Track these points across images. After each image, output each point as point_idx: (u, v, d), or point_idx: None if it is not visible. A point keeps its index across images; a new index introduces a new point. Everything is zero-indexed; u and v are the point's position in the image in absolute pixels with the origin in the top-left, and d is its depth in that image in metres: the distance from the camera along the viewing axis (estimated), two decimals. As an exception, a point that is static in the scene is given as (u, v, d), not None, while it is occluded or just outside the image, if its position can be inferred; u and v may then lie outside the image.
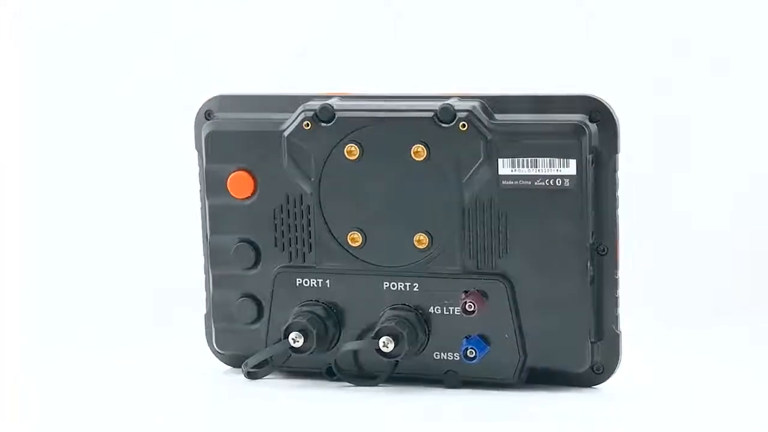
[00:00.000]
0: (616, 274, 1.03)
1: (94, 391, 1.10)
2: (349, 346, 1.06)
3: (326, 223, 1.08)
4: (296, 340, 1.06)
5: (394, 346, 1.03)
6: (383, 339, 1.03)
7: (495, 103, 1.04)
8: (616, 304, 1.03)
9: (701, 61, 1.46)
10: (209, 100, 1.15)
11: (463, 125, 1.02)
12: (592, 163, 1.01)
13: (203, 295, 1.15)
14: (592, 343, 1.03)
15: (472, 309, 1.03)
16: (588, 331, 1.02)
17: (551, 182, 1.01)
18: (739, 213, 1.44)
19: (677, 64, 1.47)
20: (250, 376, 1.10)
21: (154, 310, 1.35)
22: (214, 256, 1.13)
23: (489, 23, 1.51)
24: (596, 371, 1.04)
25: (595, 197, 1.01)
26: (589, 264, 1.01)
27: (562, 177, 1.01)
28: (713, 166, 1.45)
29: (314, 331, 1.06)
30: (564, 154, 1.01)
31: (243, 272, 1.12)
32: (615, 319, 1.03)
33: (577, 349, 1.03)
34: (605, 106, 1.02)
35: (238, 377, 1.10)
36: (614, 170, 1.02)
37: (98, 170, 1.53)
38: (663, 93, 1.47)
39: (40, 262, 1.47)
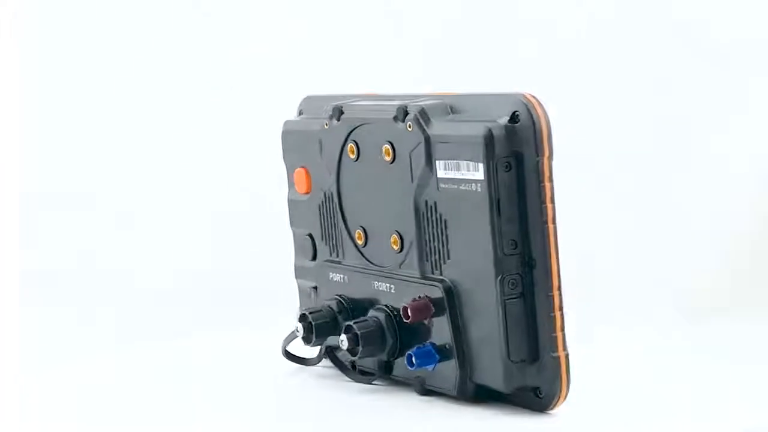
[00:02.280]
0: (551, 290, 0.94)
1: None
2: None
3: (344, 219, 1.09)
4: (298, 330, 1.08)
5: (351, 345, 1.03)
6: (341, 336, 1.03)
7: (455, 102, 1.00)
8: (552, 324, 0.94)
9: (697, 61, 1.46)
10: (302, 100, 1.18)
11: (409, 126, 1.00)
12: (508, 168, 0.94)
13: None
14: (515, 362, 0.95)
15: (408, 317, 1.00)
16: (504, 349, 0.95)
17: (469, 186, 0.96)
18: (733, 213, 1.44)
19: (669, 64, 1.47)
20: (286, 355, 1.13)
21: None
22: (296, 248, 1.17)
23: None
24: (538, 395, 0.96)
25: (513, 204, 0.94)
26: (504, 276, 0.94)
27: (475, 182, 0.95)
28: (712, 166, 1.45)
29: (313, 324, 1.07)
30: (474, 157, 0.94)
31: (309, 264, 1.15)
32: (552, 339, 0.94)
33: (496, 367, 0.96)
34: (527, 107, 0.94)
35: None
36: (538, 175, 0.93)
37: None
38: (661, 94, 1.47)
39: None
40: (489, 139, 0.94)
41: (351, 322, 1.03)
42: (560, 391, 0.95)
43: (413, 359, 0.99)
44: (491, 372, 0.96)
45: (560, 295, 0.94)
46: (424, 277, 1.01)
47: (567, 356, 0.95)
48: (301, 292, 1.17)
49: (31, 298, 1.42)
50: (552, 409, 0.96)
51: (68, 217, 1.52)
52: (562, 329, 0.94)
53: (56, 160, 1.55)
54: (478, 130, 0.94)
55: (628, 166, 1.46)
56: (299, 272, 1.17)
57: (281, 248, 1.48)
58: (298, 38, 1.54)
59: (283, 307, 1.36)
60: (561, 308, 0.94)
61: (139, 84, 1.55)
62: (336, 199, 1.09)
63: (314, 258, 1.14)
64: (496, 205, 0.94)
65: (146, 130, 1.54)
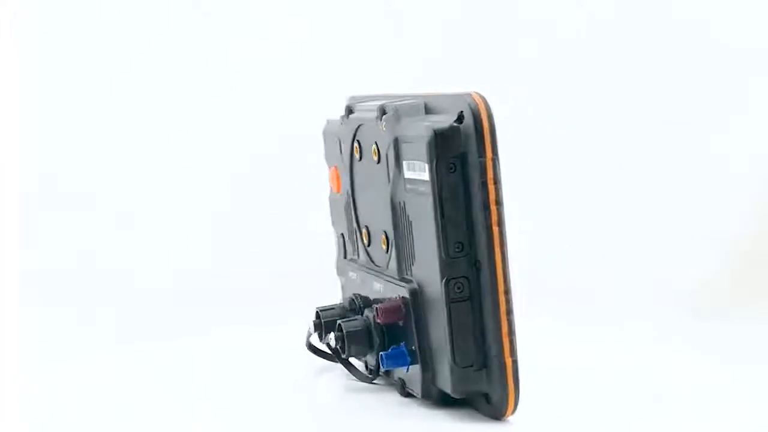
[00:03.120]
0: (498, 294, 0.91)
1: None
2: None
3: (356, 219, 1.10)
4: (311, 327, 1.09)
5: (337, 344, 1.03)
6: (330, 334, 1.04)
7: (431, 102, 0.99)
8: (499, 330, 0.92)
9: (697, 61, 1.46)
10: (347, 99, 1.15)
11: (384, 125, 1.00)
12: (453, 169, 0.92)
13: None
14: (462, 367, 0.93)
15: (379, 317, 0.99)
16: (450, 353, 0.93)
17: (421, 187, 0.95)
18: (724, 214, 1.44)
19: (669, 64, 1.47)
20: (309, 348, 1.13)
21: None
22: (336, 246, 1.17)
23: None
24: (488, 402, 0.94)
25: (459, 206, 0.92)
26: (449, 279, 0.92)
27: (424, 182, 0.94)
28: (712, 166, 1.46)
29: (322, 322, 1.08)
30: (421, 158, 0.93)
31: (341, 261, 1.15)
32: (499, 345, 0.92)
33: (446, 371, 0.94)
34: (471, 107, 0.91)
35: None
36: (482, 177, 0.91)
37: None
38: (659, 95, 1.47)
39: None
40: (432, 139, 0.92)
41: (341, 321, 1.04)
42: (508, 399, 0.93)
43: (384, 360, 0.99)
44: (443, 376, 0.95)
45: (508, 299, 0.92)
46: (400, 278, 1.00)
47: (515, 363, 0.92)
48: (342, 289, 1.17)
49: (31, 298, 1.42)
50: (504, 417, 0.94)
51: (68, 217, 1.52)
52: (510, 335, 0.92)
53: (56, 160, 1.55)
54: (424, 130, 0.93)
55: (628, 166, 1.46)
56: (338, 270, 1.17)
57: (281, 248, 1.49)
58: (297, 38, 1.54)
59: (283, 306, 1.36)
60: (508, 313, 0.92)
61: (139, 84, 1.55)
62: (351, 199, 1.10)
63: (345, 256, 1.15)
64: (439, 207, 0.92)
65: (146, 130, 1.54)
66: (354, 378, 1.08)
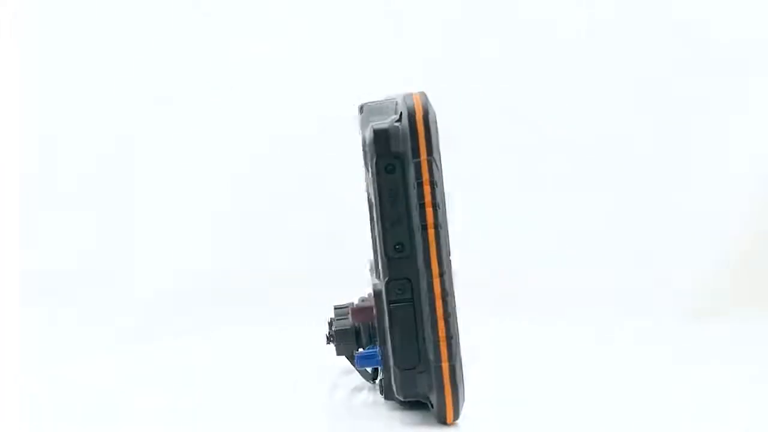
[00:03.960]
0: (435, 298, 0.90)
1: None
2: None
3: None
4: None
5: (328, 341, 1.03)
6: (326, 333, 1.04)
7: (400, 101, 0.96)
8: (437, 333, 0.91)
9: (697, 61, 1.46)
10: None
11: (359, 124, 0.98)
12: (392, 170, 0.91)
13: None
14: (403, 370, 0.93)
15: (353, 318, 1.00)
16: (392, 356, 0.92)
17: (370, 188, 0.94)
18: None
19: (669, 64, 1.47)
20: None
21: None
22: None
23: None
24: (431, 406, 0.93)
25: (398, 207, 0.91)
26: (390, 280, 0.92)
27: (369, 182, 0.94)
28: (712, 166, 1.45)
29: (332, 323, 1.06)
30: (364, 158, 0.95)
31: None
32: (436, 347, 0.91)
33: (388, 372, 0.94)
34: (408, 107, 0.90)
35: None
36: (417, 178, 0.90)
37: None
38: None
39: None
40: (370, 138, 0.92)
41: (333, 319, 1.03)
42: (446, 405, 0.92)
43: (357, 359, 0.99)
44: (387, 377, 0.94)
45: (445, 302, 0.91)
46: (377, 278, 0.99)
47: (452, 368, 0.91)
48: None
49: (31, 298, 1.42)
50: (448, 423, 0.93)
51: (68, 217, 1.52)
52: (448, 339, 0.91)
53: (56, 160, 1.55)
54: (368, 130, 0.92)
55: (628, 165, 1.46)
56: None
57: (282, 248, 1.49)
58: (297, 38, 1.54)
59: (284, 306, 1.36)
60: (446, 317, 0.91)
61: (140, 84, 1.55)
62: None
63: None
64: (378, 207, 0.92)
65: (146, 130, 1.54)
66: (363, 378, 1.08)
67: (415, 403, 0.96)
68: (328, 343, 1.03)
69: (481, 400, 1.01)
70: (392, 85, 1.23)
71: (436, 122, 0.91)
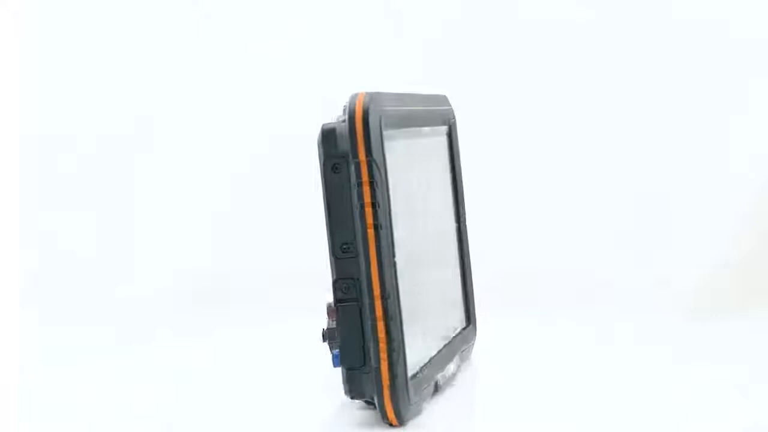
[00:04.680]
0: (373, 298, 0.91)
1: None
2: None
3: None
4: None
5: (322, 339, 1.02)
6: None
7: None
8: (376, 334, 0.91)
9: (697, 61, 1.46)
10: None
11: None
12: (337, 169, 0.92)
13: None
14: (349, 369, 0.93)
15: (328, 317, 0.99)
16: (340, 354, 0.93)
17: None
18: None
19: (669, 64, 1.47)
20: None
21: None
22: None
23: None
24: (375, 407, 0.93)
25: (343, 207, 0.92)
26: (337, 279, 0.92)
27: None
28: (712, 166, 1.45)
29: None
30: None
31: None
32: (375, 348, 0.91)
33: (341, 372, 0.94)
34: (349, 107, 0.92)
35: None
36: (357, 178, 0.91)
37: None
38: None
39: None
40: (319, 139, 0.93)
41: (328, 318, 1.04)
42: (385, 407, 0.92)
43: (334, 358, 0.98)
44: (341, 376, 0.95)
45: (384, 303, 0.91)
46: None
47: (390, 368, 0.91)
48: None
49: (31, 298, 1.42)
50: (392, 425, 0.93)
51: (68, 217, 1.52)
52: (388, 341, 0.91)
53: (56, 160, 1.55)
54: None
55: (628, 165, 1.46)
56: None
57: (282, 249, 1.49)
58: (297, 38, 1.54)
59: (285, 307, 1.36)
60: (385, 318, 0.91)
61: (140, 83, 1.55)
62: None
63: None
64: (326, 207, 0.92)
65: (147, 129, 1.54)
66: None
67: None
68: (323, 341, 1.04)
69: (481, 400, 1.01)
70: (392, 85, 1.24)
71: (379, 122, 0.91)
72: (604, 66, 1.48)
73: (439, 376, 1.01)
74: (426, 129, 1.09)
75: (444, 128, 1.14)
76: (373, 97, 0.92)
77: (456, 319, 1.13)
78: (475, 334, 1.16)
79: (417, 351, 0.97)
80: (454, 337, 1.09)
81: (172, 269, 1.47)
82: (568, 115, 1.48)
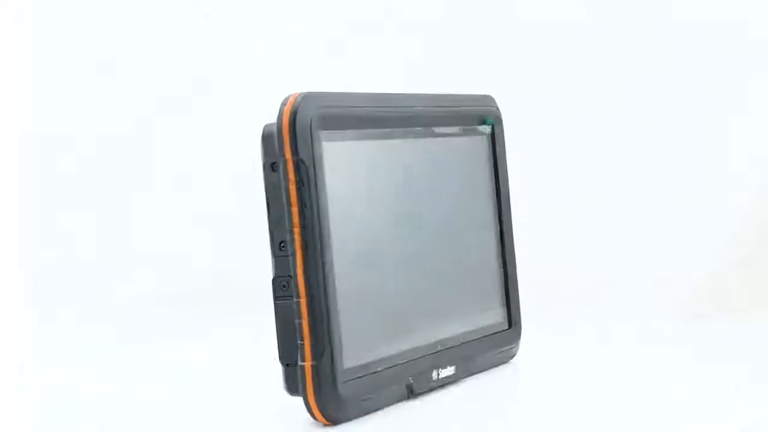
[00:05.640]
0: (300, 297, 0.92)
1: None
2: None
3: None
4: None
5: None
6: None
7: None
8: (300, 331, 0.92)
9: (697, 61, 1.46)
10: None
11: None
12: (275, 169, 0.93)
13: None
14: (285, 366, 0.94)
15: None
16: (278, 349, 0.94)
17: None
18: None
19: (669, 64, 1.47)
20: None
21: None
22: None
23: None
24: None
25: (279, 206, 0.93)
26: (275, 277, 0.94)
27: None
28: (712, 166, 1.46)
29: None
30: None
31: None
32: (300, 346, 0.92)
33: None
34: (279, 107, 0.93)
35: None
36: (284, 177, 0.92)
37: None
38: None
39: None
40: (261, 137, 0.94)
41: None
42: (309, 404, 0.93)
43: None
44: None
45: (310, 303, 0.92)
46: None
47: (314, 368, 0.92)
48: None
49: (31, 298, 1.42)
50: (321, 422, 0.94)
51: (68, 217, 1.52)
52: (312, 338, 0.92)
53: (56, 160, 1.55)
54: None
55: (627, 165, 1.46)
56: None
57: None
58: (297, 38, 1.54)
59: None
60: (309, 317, 0.92)
61: (140, 83, 1.55)
62: None
63: None
64: (266, 205, 0.93)
65: (147, 129, 1.55)
66: None
67: None
68: None
69: (481, 400, 1.01)
70: (392, 85, 1.24)
71: (309, 122, 0.92)
72: (604, 66, 1.48)
73: (412, 380, 1.00)
74: (443, 129, 1.08)
75: (480, 128, 1.13)
76: (309, 97, 0.93)
77: (460, 325, 1.09)
78: (516, 338, 1.14)
79: (367, 353, 0.96)
80: (453, 343, 1.06)
81: (172, 269, 1.47)
82: (567, 115, 1.48)
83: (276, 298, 0.93)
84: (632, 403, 1.01)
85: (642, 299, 1.35)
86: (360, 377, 0.95)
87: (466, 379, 1.07)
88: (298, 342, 0.92)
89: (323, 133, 0.93)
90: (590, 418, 0.97)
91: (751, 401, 1.01)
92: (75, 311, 1.39)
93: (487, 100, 1.16)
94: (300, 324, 0.92)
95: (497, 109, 1.15)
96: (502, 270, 1.14)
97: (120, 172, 1.54)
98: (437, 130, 1.07)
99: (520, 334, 1.15)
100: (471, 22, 1.52)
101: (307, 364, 0.92)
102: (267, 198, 0.93)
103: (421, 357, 1.02)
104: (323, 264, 0.92)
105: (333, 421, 0.93)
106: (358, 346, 0.95)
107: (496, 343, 1.11)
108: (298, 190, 0.92)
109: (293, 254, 0.92)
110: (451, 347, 1.06)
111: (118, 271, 1.47)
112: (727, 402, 1.01)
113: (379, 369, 0.97)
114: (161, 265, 1.47)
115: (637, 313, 1.32)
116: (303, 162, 0.91)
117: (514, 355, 1.14)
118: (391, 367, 0.98)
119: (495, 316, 1.13)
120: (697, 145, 1.46)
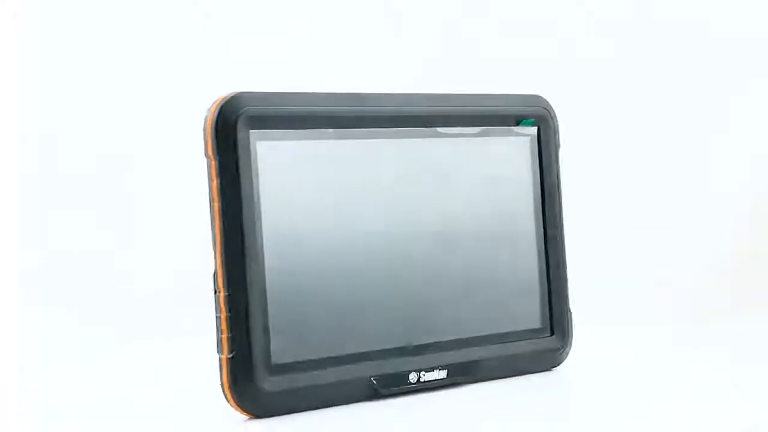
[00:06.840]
0: (217, 290, 0.95)
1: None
2: None
3: None
4: None
5: None
6: None
7: None
8: (219, 325, 0.95)
9: (697, 61, 1.46)
10: None
11: None
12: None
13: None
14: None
15: None
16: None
17: None
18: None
19: (669, 65, 1.47)
20: None
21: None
22: None
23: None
24: None
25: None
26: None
27: None
28: (712, 166, 1.46)
29: None
30: None
31: None
32: (218, 339, 0.95)
33: None
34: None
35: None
36: (208, 174, 0.96)
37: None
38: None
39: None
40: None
41: None
42: (227, 396, 0.94)
43: None
44: None
45: (227, 297, 0.94)
46: None
47: (229, 360, 0.93)
48: None
49: (31, 298, 1.42)
50: (239, 412, 0.94)
51: (68, 217, 1.52)
52: (227, 332, 0.93)
53: (56, 160, 1.55)
54: None
55: (628, 166, 1.46)
56: None
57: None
58: (298, 38, 1.54)
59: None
60: (226, 311, 0.93)
61: (140, 83, 1.55)
62: None
63: None
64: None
65: (147, 129, 1.54)
66: None
67: None
68: None
69: (480, 399, 1.01)
70: (392, 85, 1.24)
71: (234, 122, 0.94)
72: (603, 66, 1.48)
73: (375, 381, 0.99)
74: (451, 130, 1.06)
75: (516, 129, 1.11)
76: (239, 97, 0.96)
77: (454, 330, 1.05)
78: (561, 344, 1.11)
79: (311, 351, 0.96)
80: (442, 348, 1.04)
81: (172, 269, 1.47)
82: (565, 114, 1.48)
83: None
84: (632, 403, 1.00)
85: (642, 299, 1.35)
86: (298, 373, 0.95)
87: (471, 384, 1.06)
88: (218, 335, 0.93)
89: (256, 133, 0.95)
90: (590, 418, 0.97)
91: (751, 401, 1.01)
92: (75, 311, 1.39)
93: (533, 100, 1.13)
94: (218, 317, 0.93)
95: (545, 109, 1.13)
96: (543, 275, 1.12)
97: (120, 172, 1.54)
98: (442, 130, 1.06)
99: (563, 343, 1.11)
100: (474, 22, 1.52)
101: (224, 357, 0.94)
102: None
103: (386, 359, 1.00)
104: (244, 260, 0.93)
105: (257, 415, 0.94)
106: (297, 344, 0.95)
107: (528, 347, 1.08)
108: (219, 187, 0.94)
109: (215, 249, 0.94)
110: (440, 352, 1.03)
111: (118, 271, 1.47)
112: (727, 402, 1.01)
113: (327, 367, 0.96)
114: (161, 265, 1.47)
115: (636, 313, 1.32)
116: (224, 161, 0.94)
117: (559, 363, 1.11)
118: (342, 366, 0.97)
119: (528, 322, 1.10)
120: (697, 145, 1.46)
